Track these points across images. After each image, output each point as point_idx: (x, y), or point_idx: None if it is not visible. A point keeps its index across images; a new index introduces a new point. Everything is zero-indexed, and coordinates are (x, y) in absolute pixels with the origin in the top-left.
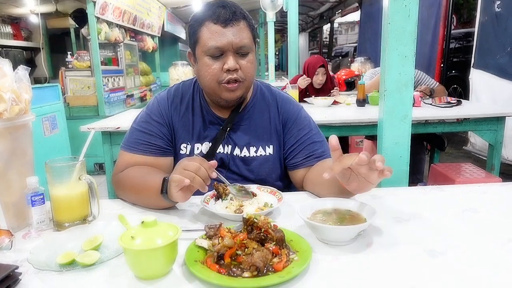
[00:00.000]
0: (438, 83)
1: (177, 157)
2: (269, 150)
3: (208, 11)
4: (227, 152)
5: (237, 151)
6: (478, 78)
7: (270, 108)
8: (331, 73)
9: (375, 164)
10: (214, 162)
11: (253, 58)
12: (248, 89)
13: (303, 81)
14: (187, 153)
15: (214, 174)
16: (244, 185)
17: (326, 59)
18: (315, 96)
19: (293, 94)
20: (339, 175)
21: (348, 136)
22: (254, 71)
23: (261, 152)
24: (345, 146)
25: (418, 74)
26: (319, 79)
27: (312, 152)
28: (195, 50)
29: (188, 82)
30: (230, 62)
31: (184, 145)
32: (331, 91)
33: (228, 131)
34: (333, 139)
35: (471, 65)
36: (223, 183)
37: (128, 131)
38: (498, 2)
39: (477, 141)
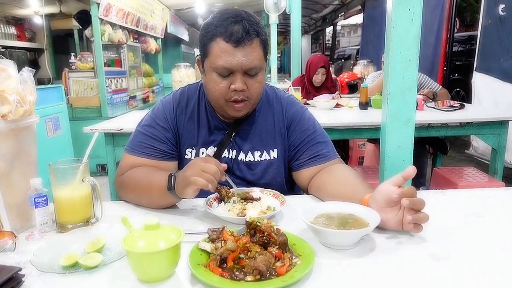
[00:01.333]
0: (441, 86)
1: (181, 161)
2: (273, 154)
3: (220, 26)
4: (231, 157)
5: (241, 156)
6: (480, 82)
7: (275, 111)
8: (333, 76)
9: (415, 216)
10: (225, 165)
11: (262, 77)
12: (254, 106)
13: None
14: (192, 157)
15: (224, 177)
16: (247, 189)
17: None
18: (315, 94)
19: (296, 96)
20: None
21: (348, 139)
22: (262, 90)
23: (265, 156)
24: (346, 148)
25: (421, 77)
26: (318, 78)
27: (316, 152)
28: (203, 62)
29: (194, 86)
30: (238, 83)
31: (189, 149)
32: (333, 95)
33: (234, 136)
34: (412, 170)
35: (474, 68)
36: (227, 186)
37: (133, 134)
38: (503, 6)
39: (479, 144)
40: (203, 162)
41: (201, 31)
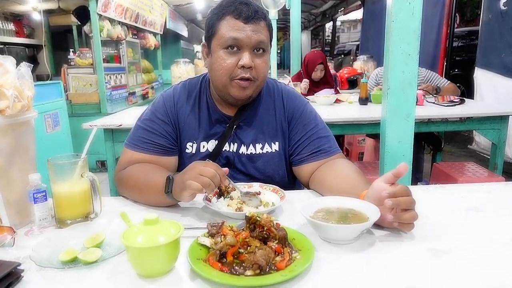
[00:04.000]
0: (448, 81)
1: (182, 155)
2: (275, 146)
3: (229, 6)
4: (232, 150)
5: (243, 149)
6: (482, 77)
7: (276, 104)
8: (333, 71)
9: (397, 215)
10: (226, 169)
11: (267, 59)
12: (259, 89)
13: (304, 86)
14: (193, 151)
15: (227, 182)
16: (246, 184)
17: (328, 57)
18: (315, 90)
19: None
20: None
21: (344, 135)
22: (267, 72)
23: (267, 149)
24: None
25: (427, 73)
26: (317, 75)
27: (318, 147)
28: (210, 43)
29: (195, 80)
30: (246, 58)
31: (190, 143)
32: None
33: (235, 129)
34: (403, 167)
35: (475, 63)
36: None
37: (133, 128)
38: (504, 0)
39: (482, 140)
40: (202, 166)
41: (209, 15)
